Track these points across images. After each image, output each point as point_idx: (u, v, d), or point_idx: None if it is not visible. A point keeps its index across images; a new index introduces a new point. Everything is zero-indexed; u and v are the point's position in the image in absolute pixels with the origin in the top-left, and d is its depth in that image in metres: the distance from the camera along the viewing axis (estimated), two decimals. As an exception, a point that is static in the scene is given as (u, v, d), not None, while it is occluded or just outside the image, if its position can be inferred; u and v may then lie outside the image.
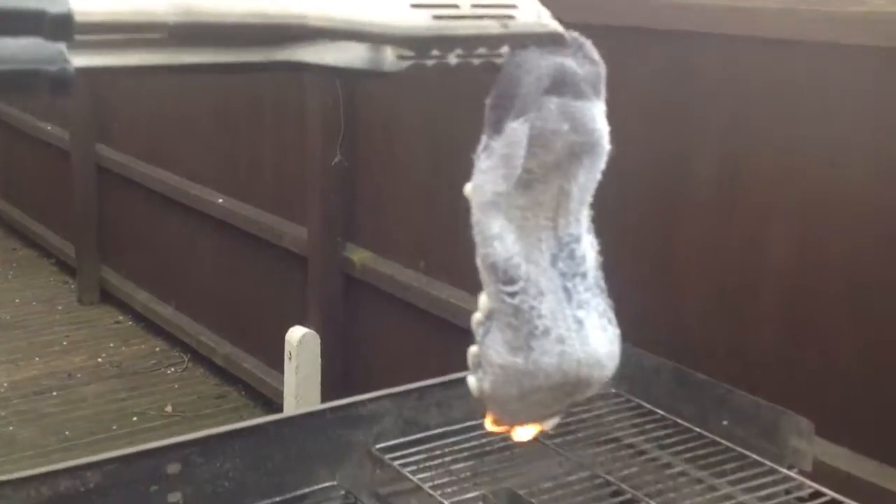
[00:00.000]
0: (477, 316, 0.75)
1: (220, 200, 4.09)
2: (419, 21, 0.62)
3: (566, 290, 0.72)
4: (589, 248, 0.74)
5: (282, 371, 3.61)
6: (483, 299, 0.74)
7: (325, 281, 3.51)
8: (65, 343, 4.72)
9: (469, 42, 0.63)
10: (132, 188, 4.78)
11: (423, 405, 1.73)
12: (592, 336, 0.73)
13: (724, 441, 1.69)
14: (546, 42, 0.67)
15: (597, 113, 0.69)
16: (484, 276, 0.72)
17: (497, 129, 0.68)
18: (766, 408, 1.64)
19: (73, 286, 5.38)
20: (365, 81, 3.05)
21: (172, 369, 4.46)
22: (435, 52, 0.61)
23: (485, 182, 0.70)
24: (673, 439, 1.72)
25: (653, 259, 2.33)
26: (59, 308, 5.17)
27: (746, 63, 2.10)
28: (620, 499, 1.58)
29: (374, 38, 0.60)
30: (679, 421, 1.76)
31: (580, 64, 0.68)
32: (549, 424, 0.80)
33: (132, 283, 4.97)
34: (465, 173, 0.72)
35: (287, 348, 3.57)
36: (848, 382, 1.96)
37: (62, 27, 0.52)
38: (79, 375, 4.37)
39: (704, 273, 2.22)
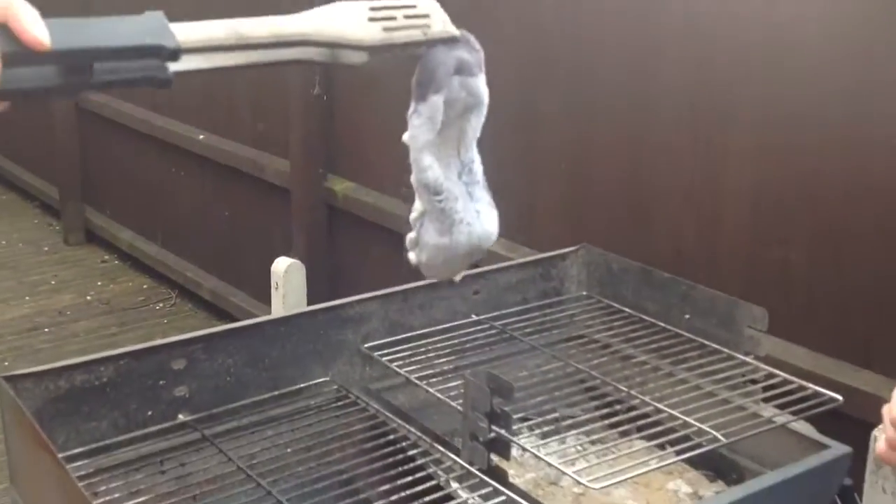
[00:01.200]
0: (413, 215, 1.13)
1: (202, 137, 4.16)
2: (374, 34, 0.96)
3: (469, 193, 1.11)
4: (478, 164, 1.12)
5: (269, 302, 3.72)
6: (417, 204, 1.12)
7: (309, 212, 3.61)
8: (53, 282, 4.81)
9: (404, 46, 0.99)
10: (113, 128, 4.83)
11: (407, 307, 1.86)
12: (485, 219, 1.12)
13: (685, 333, 1.83)
14: (449, 41, 1.03)
15: (481, 83, 1.07)
16: (419, 191, 1.10)
17: (423, 99, 1.05)
18: (723, 299, 1.78)
19: (58, 228, 5.45)
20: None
21: (160, 305, 4.57)
22: (384, 54, 0.97)
23: (418, 134, 1.06)
24: (638, 333, 1.86)
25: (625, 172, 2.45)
26: (46, 249, 5.25)
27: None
28: (589, 384, 1.72)
29: (348, 46, 0.95)
30: (644, 317, 1.90)
31: (469, 52, 1.05)
32: (458, 277, 1.20)
33: (117, 222, 5.05)
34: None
35: (273, 279, 3.67)
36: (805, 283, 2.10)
37: (173, 55, 0.83)
38: (69, 313, 4.46)
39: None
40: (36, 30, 0.73)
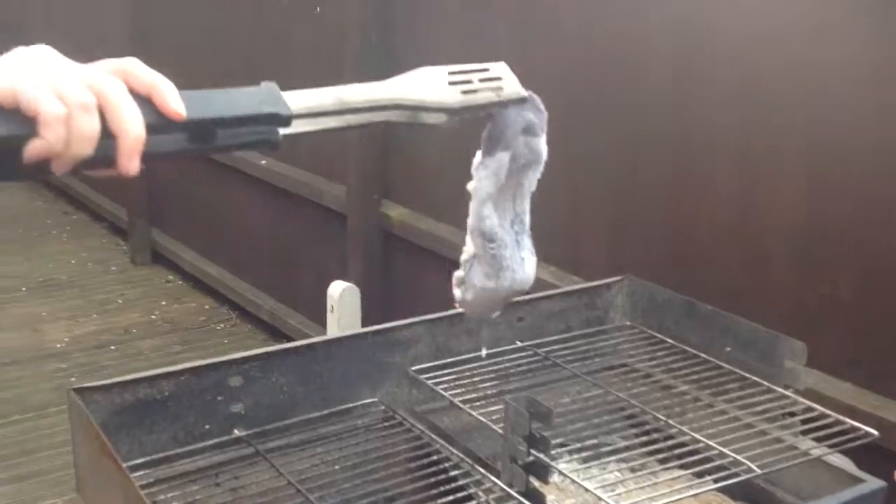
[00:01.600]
0: (464, 256, 1.21)
1: (263, 162, 4.30)
2: (454, 97, 1.04)
3: (517, 242, 1.19)
4: (528, 215, 1.20)
5: (324, 324, 3.82)
6: (469, 246, 1.19)
7: (364, 237, 3.71)
8: (120, 301, 4.99)
9: (479, 107, 1.07)
10: (180, 153, 5.00)
11: (454, 332, 1.92)
12: (528, 266, 1.21)
13: (726, 365, 1.86)
14: (518, 102, 1.11)
15: (542, 143, 1.15)
16: (474, 236, 1.17)
17: (491, 154, 1.12)
18: (764, 333, 1.81)
19: (125, 248, 5.65)
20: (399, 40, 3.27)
21: (221, 325, 4.71)
22: (464, 114, 1.05)
23: (482, 186, 1.14)
24: (679, 364, 1.90)
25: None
26: (113, 268, 5.45)
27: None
28: (629, 412, 1.76)
29: (431, 109, 1.03)
30: (686, 348, 1.94)
31: (535, 114, 1.13)
32: (495, 315, 1.30)
33: (181, 243, 5.21)
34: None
35: (329, 301, 3.78)
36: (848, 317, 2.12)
37: (286, 121, 0.93)
38: (134, 331, 4.63)
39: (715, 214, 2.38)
40: (175, 103, 0.83)
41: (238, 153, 4.44)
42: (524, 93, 1.11)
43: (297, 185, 4.09)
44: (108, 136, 0.79)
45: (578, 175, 2.72)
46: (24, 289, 5.11)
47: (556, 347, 1.98)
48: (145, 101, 0.82)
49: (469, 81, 1.05)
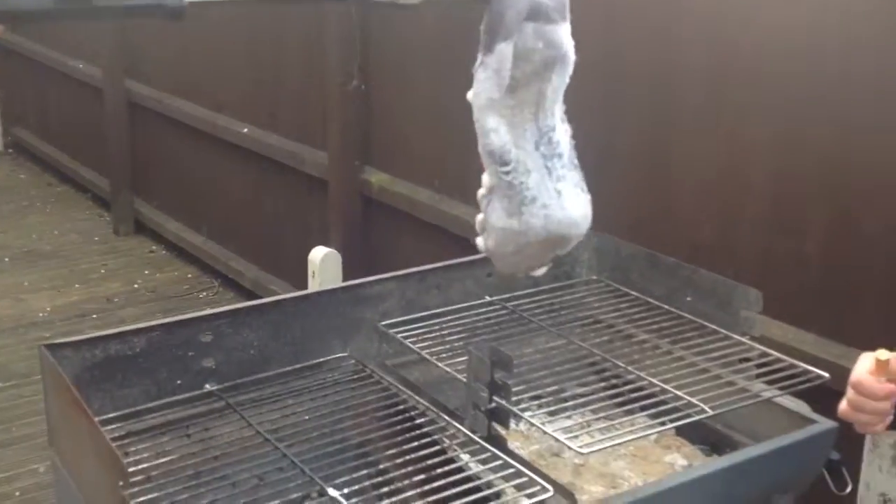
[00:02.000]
0: (481, 191, 0.97)
1: (245, 130, 4.31)
2: None
3: (547, 168, 0.95)
4: (563, 134, 0.95)
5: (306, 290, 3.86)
6: (485, 178, 0.96)
7: (345, 203, 3.74)
8: (103, 271, 5.01)
9: None
10: (162, 122, 5.02)
11: (423, 287, 1.96)
12: (569, 202, 0.95)
13: (687, 315, 1.91)
14: None
15: (563, 33, 0.91)
16: (485, 160, 0.94)
17: (489, 49, 0.91)
18: (722, 282, 1.86)
19: (108, 218, 5.66)
20: (382, 11, 3.29)
21: (204, 293, 4.73)
22: None
23: (482, 90, 0.93)
24: (642, 315, 1.94)
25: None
26: (96, 239, 5.46)
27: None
28: (591, 360, 1.81)
29: None
30: (649, 300, 1.98)
31: None
32: (540, 272, 1.04)
33: (164, 213, 5.23)
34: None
35: (310, 267, 3.81)
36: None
37: None
38: (116, 300, 4.65)
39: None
40: None
41: (218, 122, 4.46)
42: None
43: (278, 153, 4.11)
44: None
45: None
46: (6, 259, 5.13)
47: (523, 302, 2.02)
48: None
49: None
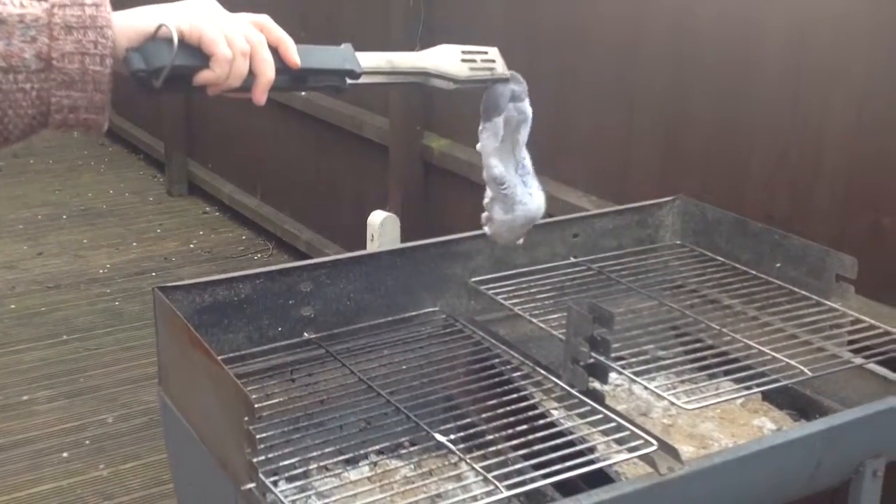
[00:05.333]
0: (486, 200, 1.49)
1: (303, 94, 4.34)
2: (464, 70, 1.33)
3: (523, 182, 1.47)
4: (527, 160, 1.48)
5: (362, 253, 3.89)
6: (487, 192, 1.48)
7: (406, 168, 3.76)
8: (158, 230, 5.08)
9: (478, 81, 1.36)
10: (219, 85, 5.05)
11: (511, 246, 1.99)
12: (535, 200, 1.48)
13: (776, 281, 1.93)
14: (503, 81, 1.40)
15: (527, 106, 1.42)
16: (488, 182, 1.46)
17: (489, 119, 1.41)
18: (815, 248, 1.87)
19: (161, 180, 5.74)
20: None
21: (259, 255, 4.80)
22: (467, 85, 1.35)
23: (486, 144, 1.43)
24: (729, 280, 1.96)
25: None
26: (151, 199, 5.54)
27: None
28: (678, 322, 1.83)
29: (445, 78, 1.32)
30: (736, 265, 2.00)
31: (518, 85, 1.41)
32: (519, 241, 1.55)
33: (219, 175, 5.29)
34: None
35: (369, 230, 3.85)
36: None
37: (357, 76, 1.19)
38: (174, 259, 4.72)
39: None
40: (294, 55, 1.10)
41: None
42: (507, 73, 1.40)
43: (338, 118, 4.14)
44: (250, 74, 1.06)
45: (628, 98, 2.75)
46: (64, 217, 5.22)
47: (608, 263, 2.05)
48: (274, 51, 1.09)
49: (474, 60, 1.34)
